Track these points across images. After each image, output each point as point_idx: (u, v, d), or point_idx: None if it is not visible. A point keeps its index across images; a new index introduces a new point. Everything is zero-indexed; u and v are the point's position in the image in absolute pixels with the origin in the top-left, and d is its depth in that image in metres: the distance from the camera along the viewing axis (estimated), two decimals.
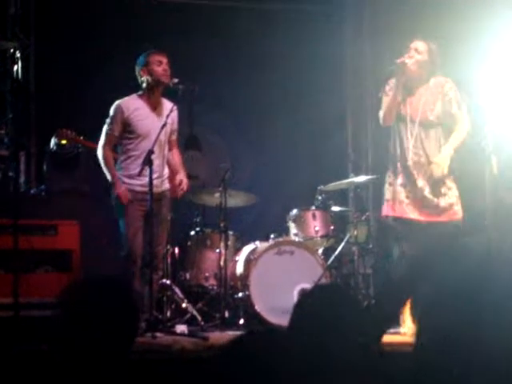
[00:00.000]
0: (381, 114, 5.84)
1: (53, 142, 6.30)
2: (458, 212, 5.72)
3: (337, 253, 7.03)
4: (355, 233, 7.08)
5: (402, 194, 5.76)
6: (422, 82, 5.80)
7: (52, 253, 6.35)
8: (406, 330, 5.67)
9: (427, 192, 5.70)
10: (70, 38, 7.66)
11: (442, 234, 5.60)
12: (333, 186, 7.26)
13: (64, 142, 6.34)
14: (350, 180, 7.35)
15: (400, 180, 5.78)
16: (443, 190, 5.72)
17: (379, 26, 8.20)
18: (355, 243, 7.13)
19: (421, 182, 5.71)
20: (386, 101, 5.81)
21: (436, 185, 5.71)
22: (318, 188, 7.21)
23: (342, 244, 7.05)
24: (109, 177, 5.80)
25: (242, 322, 6.56)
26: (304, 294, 3.71)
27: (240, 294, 6.70)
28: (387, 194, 5.85)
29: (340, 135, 8.59)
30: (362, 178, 7.31)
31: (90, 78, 7.56)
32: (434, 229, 5.66)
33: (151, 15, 7.84)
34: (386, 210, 5.86)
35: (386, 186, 5.87)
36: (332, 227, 7.11)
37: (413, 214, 5.71)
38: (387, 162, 5.95)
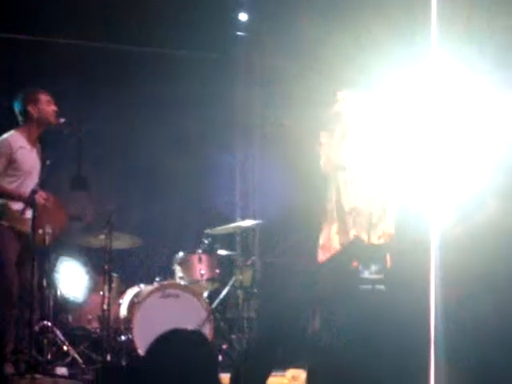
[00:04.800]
0: (321, 164, 5.94)
1: None
2: None
3: (222, 296, 7.06)
4: (241, 277, 7.13)
5: (334, 240, 5.84)
6: (355, 130, 5.94)
7: None
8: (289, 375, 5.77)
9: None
10: None
11: None
12: (220, 229, 7.30)
13: None
14: (236, 224, 7.40)
15: (335, 228, 5.86)
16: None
17: (269, 69, 8.36)
18: (240, 287, 7.17)
19: (353, 230, 5.81)
20: (323, 152, 5.91)
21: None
22: (205, 232, 7.24)
23: (227, 288, 7.09)
24: (11, 199, 5.65)
25: (124, 364, 6.48)
26: (160, 336, 3.77)
27: (123, 337, 6.64)
28: (322, 241, 5.90)
29: (228, 181, 8.66)
30: (248, 223, 7.37)
31: None
32: None
33: (37, 54, 7.77)
34: (321, 256, 5.88)
35: (322, 232, 5.92)
36: (218, 271, 7.14)
37: None
38: (323, 208, 5.99)
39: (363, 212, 5.82)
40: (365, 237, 5.76)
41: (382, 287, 6.13)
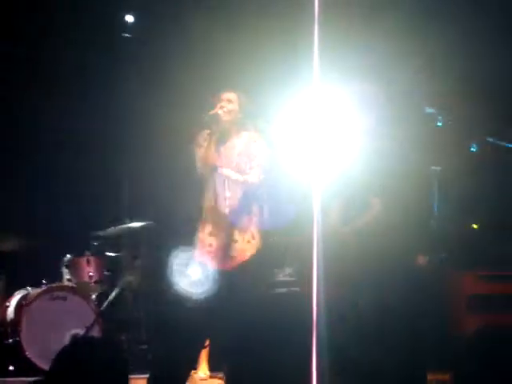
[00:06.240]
0: (198, 164, 5.91)
1: None
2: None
3: (110, 298, 7.09)
4: (129, 278, 7.18)
5: (208, 241, 5.82)
6: (234, 132, 5.94)
7: None
8: (202, 374, 5.92)
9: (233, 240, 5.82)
10: None
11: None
12: (108, 231, 7.32)
13: None
14: (124, 226, 7.44)
15: (209, 229, 5.87)
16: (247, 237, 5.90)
17: (157, 71, 8.42)
18: (129, 288, 7.22)
19: (230, 231, 5.80)
20: (200, 152, 5.91)
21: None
22: (93, 234, 7.25)
23: (116, 289, 7.12)
24: None
25: (11, 368, 6.44)
26: (68, 344, 3.85)
27: (10, 340, 6.58)
28: (197, 242, 5.85)
29: (116, 181, 8.65)
30: (136, 224, 7.43)
31: None
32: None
33: None
34: (196, 257, 5.84)
35: (197, 233, 5.87)
36: (106, 273, 7.17)
37: (217, 263, 5.80)
38: (198, 210, 6.00)
39: (238, 216, 5.89)
40: (238, 238, 5.86)
41: (297, 289, 6.28)
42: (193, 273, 5.69)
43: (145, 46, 8.73)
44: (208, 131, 5.94)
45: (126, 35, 8.87)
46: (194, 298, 5.42)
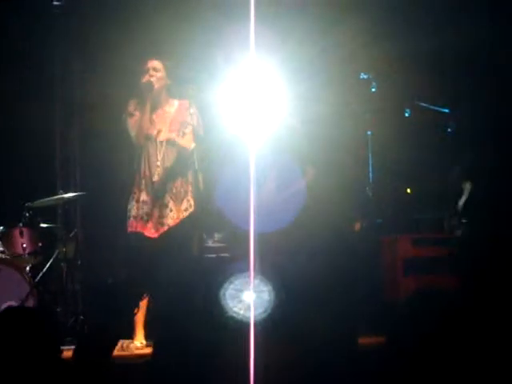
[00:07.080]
0: (132, 134, 5.95)
1: None
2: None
3: (45, 270, 7.00)
4: (64, 249, 7.10)
5: (144, 210, 5.88)
6: (165, 100, 6.01)
7: None
8: (138, 344, 5.92)
9: (169, 209, 5.87)
10: None
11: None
12: (41, 202, 7.20)
13: None
14: (58, 196, 7.33)
15: (144, 197, 5.89)
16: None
17: (89, 37, 8.27)
18: (64, 260, 7.14)
19: (166, 199, 5.88)
20: (133, 121, 5.94)
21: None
22: (26, 205, 7.12)
23: (51, 261, 7.04)
24: None
25: None
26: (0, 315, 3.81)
27: None
28: (133, 211, 5.93)
29: (48, 150, 8.50)
30: (70, 195, 7.33)
31: None
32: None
33: None
34: (132, 226, 5.93)
35: (133, 202, 5.95)
36: (40, 244, 7.06)
37: (149, 231, 5.87)
38: (132, 178, 6.02)
39: (172, 183, 5.91)
40: (173, 208, 5.87)
41: (226, 255, 6.30)
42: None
43: (75, 12, 8.57)
44: (137, 100, 5.97)
45: (56, 3, 8.68)
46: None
